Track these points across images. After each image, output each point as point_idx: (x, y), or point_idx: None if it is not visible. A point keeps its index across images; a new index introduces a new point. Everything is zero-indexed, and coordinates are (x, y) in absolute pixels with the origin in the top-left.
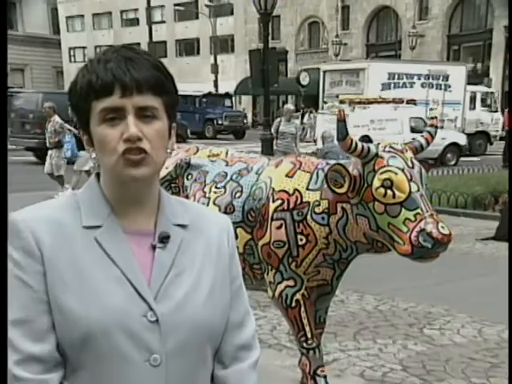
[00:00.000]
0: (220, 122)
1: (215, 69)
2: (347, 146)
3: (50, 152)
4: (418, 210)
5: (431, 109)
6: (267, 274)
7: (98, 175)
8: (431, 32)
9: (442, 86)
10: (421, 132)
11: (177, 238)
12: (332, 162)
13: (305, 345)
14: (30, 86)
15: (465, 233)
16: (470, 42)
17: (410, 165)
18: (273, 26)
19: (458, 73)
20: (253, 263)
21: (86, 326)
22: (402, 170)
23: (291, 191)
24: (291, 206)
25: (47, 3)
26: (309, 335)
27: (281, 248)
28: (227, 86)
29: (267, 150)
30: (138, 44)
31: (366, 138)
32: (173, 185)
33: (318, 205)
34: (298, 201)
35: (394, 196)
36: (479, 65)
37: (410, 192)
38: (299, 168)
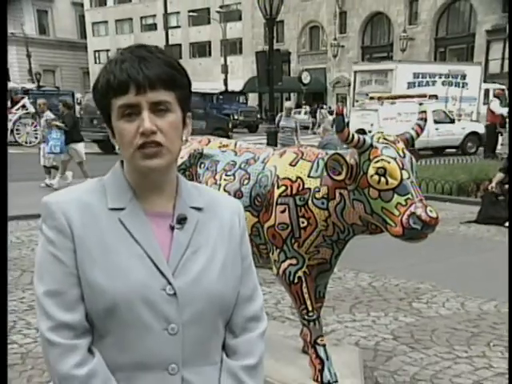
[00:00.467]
0: (235, 117)
1: (225, 69)
2: (345, 138)
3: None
4: (409, 196)
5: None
6: (272, 253)
7: (122, 162)
8: (420, 35)
9: (460, 84)
10: (443, 123)
11: (193, 219)
12: (331, 152)
13: (306, 317)
14: (60, 85)
15: (450, 216)
16: (454, 45)
17: (402, 154)
18: (277, 30)
19: (474, 72)
20: (259, 243)
21: (111, 298)
22: (395, 159)
23: (294, 178)
24: (294, 191)
25: (75, 10)
26: (310, 308)
27: (284, 230)
28: (236, 84)
29: (272, 141)
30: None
31: (361, 131)
32: (187, 173)
33: (318, 191)
34: (300, 187)
35: (387, 183)
36: None
37: (402, 179)
38: (301, 157)
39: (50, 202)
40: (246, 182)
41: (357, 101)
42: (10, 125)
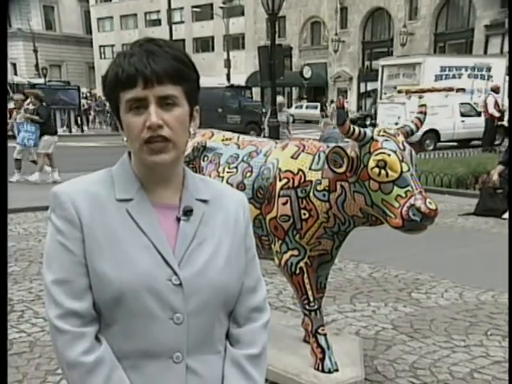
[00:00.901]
0: None
1: (228, 64)
2: (346, 130)
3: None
4: (409, 188)
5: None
6: (274, 244)
7: (129, 153)
8: (420, 30)
9: (486, 77)
10: (469, 116)
11: (199, 211)
12: (332, 145)
13: (307, 307)
14: (66, 79)
15: (448, 209)
16: (454, 40)
17: (402, 147)
18: (279, 25)
19: (499, 64)
20: (261, 235)
21: (118, 288)
22: (395, 152)
23: (296, 171)
24: (296, 184)
25: (81, 6)
26: (311, 298)
27: (286, 222)
28: (238, 79)
29: (274, 134)
30: None
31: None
32: (190, 166)
33: (320, 183)
34: (302, 180)
35: (387, 175)
36: None
37: (402, 172)
38: (303, 150)
39: (59, 191)
40: (248, 174)
41: (385, 93)
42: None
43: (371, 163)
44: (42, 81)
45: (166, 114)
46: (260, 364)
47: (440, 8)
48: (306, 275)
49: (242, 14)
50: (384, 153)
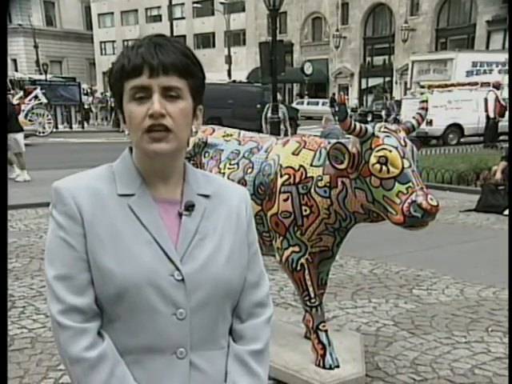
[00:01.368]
0: None
1: (229, 60)
2: (347, 127)
3: None
4: (410, 184)
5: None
6: (275, 241)
7: (131, 148)
8: (421, 26)
9: None
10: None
11: (201, 206)
12: (333, 141)
13: (308, 303)
14: (67, 75)
15: (450, 205)
16: (455, 35)
17: (403, 143)
18: (280, 21)
19: None
20: (262, 231)
21: (120, 283)
22: (396, 148)
23: (297, 167)
24: (297, 180)
25: (81, 2)
26: (312, 295)
27: (287, 218)
28: (239, 75)
29: (275, 131)
30: None
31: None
32: (191, 162)
33: (321, 179)
34: (303, 176)
35: (388, 171)
36: None
37: (403, 168)
38: (304, 147)
39: (60, 187)
40: (249, 170)
41: (409, 89)
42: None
43: (372, 159)
44: (42, 77)
45: (170, 105)
46: (263, 360)
47: (441, 3)
48: (306, 271)
49: (243, 9)
50: (385, 149)
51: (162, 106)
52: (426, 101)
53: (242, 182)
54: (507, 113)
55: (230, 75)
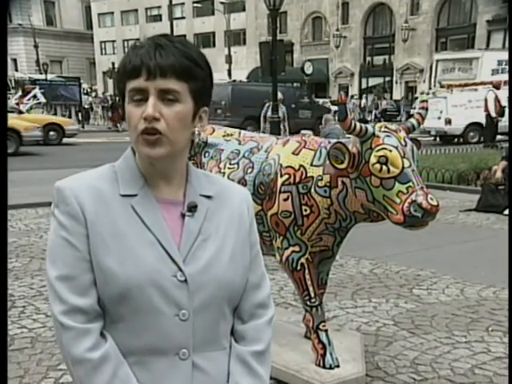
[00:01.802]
0: None
1: (229, 59)
2: (347, 126)
3: None
4: (410, 184)
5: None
6: (275, 240)
7: (133, 148)
8: (421, 26)
9: None
10: None
11: (203, 207)
12: (333, 141)
13: (308, 303)
14: (67, 75)
15: (450, 205)
16: (455, 35)
17: (403, 143)
18: (280, 21)
19: None
20: (262, 231)
21: (123, 284)
22: (396, 148)
23: (297, 167)
24: (297, 180)
25: (81, 2)
26: (312, 294)
27: (287, 218)
28: (240, 74)
29: (275, 130)
30: None
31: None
32: (191, 161)
33: (321, 179)
34: (303, 175)
35: (388, 171)
36: None
37: (403, 167)
38: (304, 146)
39: (63, 186)
40: (249, 170)
41: (430, 88)
42: None
43: (372, 159)
44: (42, 76)
45: (166, 109)
46: (265, 361)
47: (442, 3)
48: (307, 271)
49: (243, 9)
50: (385, 148)
51: (156, 109)
52: (426, 100)
53: (242, 181)
54: (506, 113)
55: (230, 75)
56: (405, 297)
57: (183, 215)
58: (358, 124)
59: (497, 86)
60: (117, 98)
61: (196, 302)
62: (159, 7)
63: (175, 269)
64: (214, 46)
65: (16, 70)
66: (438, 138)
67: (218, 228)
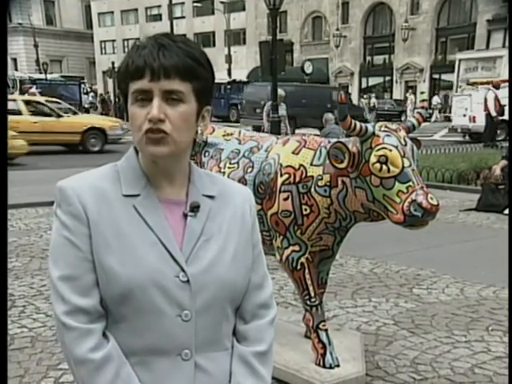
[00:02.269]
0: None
1: (229, 59)
2: (347, 126)
3: None
4: (410, 183)
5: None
6: (275, 240)
7: (136, 148)
8: (421, 25)
9: None
10: None
11: (206, 207)
12: (333, 140)
13: (308, 302)
14: (67, 74)
15: (450, 204)
16: (456, 35)
17: (403, 142)
18: (280, 20)
19: None
20: (262, 230)
21: (126, 284)
22: (396, 147)
23: (297, 166)
24: (297, 179)
25: (81, 1)
26: (312, 294)
27: (287, 217)
28: (239, 74)
29: (275, 130)
30: None
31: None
32: (191, 161)
33: (321, 179)
34: (303, 175)
35: (388, 170)
36: None
37: (403, 167)
38: (304, 146)
39: (65, 186)
40: (249, 170)
41: (460, 86)
42: None
43: (372, 158)
44: (42, 76)
45: (170, 109)
46: (267, 362)
47: (442, 3)
48: (307, 271)
49: (243, 9)
50: (385, 148)
51: (160, 110)
52: (426, 100)
53: (242, 181)
54: (506, 112)
55: (230, 74)
56: (405, 296)
57: (185, 215)
58: (357, 123)
59: (496, 86)
60: (107, 94)
61: (198, 302)
62: (159, 6)
63: (177, 269)
64: (214, 45)
65: (16, 69)
66: (467, 136)
67: (220, 228)
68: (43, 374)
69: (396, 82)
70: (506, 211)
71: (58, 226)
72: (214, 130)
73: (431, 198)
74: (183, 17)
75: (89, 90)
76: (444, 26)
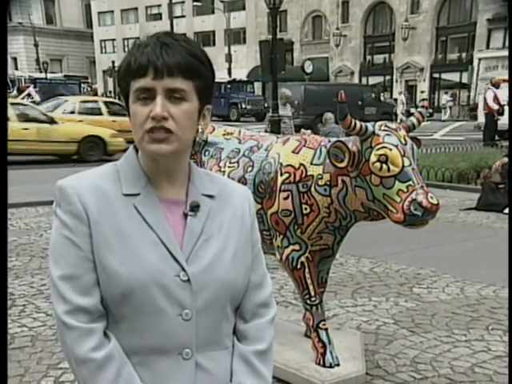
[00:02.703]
0: (243, 106)
1: (229, 58)
2: (347, 125)
3: None
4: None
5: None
6: (275, 239)
7: (135, 147)
8: (422, 25)
9: None
10: None
11: (206, 207)
12: (333, 139)
13: (308, 302)
14: (67, 74)
15: (450, 203)
16: (456, 34)
17: (403, 142)
18: (280, 20)
19: None
20: (262, 230)
21: (126, 283)
22: (396, 147)
23: (297, 166)
24: (297, 178)
25: (81, 0)
26: (312, 293)
27: (287, 216)
28: (239, 73)
29: (275, 129)
30: None
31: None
32: (191, 160)
33: (321, 178)
34: (303, 174)
35: (388, 170)
36: (464, 54)
37: (403, 166)
38: (304, 145)
39: (65, 185)
40: (249, 169)
41: (486, 84)
42: None
43: (373, 158)
44: (43, 75)
45: (173, 107)
46: (267, 360)
47: (442, 2)
48: (307, 270)
49: (243, 8)
50: (385, 147)
51: (164, 108)
52: (426, 99)
53: (242, 180)
54: (506, 112)
55: (230, 73)
56: (405, 295)
57: (185, 215)
58: (358, 123)
59: (496, 85)
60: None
61: (199, 301)
62: (159, 6)
63: (178, 268)
64: (214, 44)
65: (16, 68)
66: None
67: (220, 227)
68: (43, 373)
69: (396, 81)
70: (506, 210)
71: (57, 226)
72: (214, 129)
73: (431, 197)
74: (183, 16)
75: (88, 89)
76: (444, 25)
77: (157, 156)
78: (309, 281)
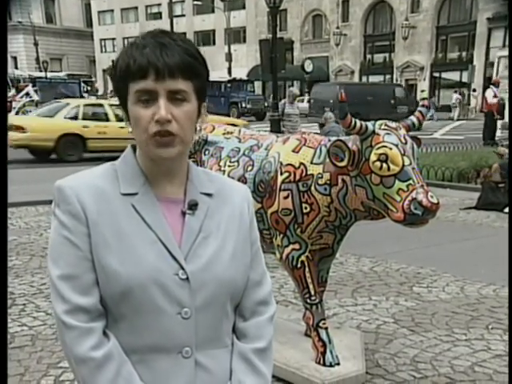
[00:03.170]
0: (243, 105)
1: (229, 57)
2: (347, 124)
3: None
4: (410, 182)
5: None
6: (275, 238)
7: (133, 146)
8: (422, 24)
9: None
10: None
11: (204, 205)
12: (334, 138)
13: (308, 301)
14: (67, 73)
15: (450, 203)
16: (456, 33)
17: (404, 141)
18: (280, 19)
19: None
20: (262, 229)
21: (125, 282)
22: (396, 146)
23: (297, 165)
24: (297, 178)
25: None
26: (312, 292)
27: (288, 215)
28: (240, 72)
29: (276, 128)
30: None
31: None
32: (191, 159)
33: (321, 177)
34: (303, 173)
35: (388, 169)
36: (464, 53)
37: (403, 165)
38: (304, 144)
39: (64, 185)
40: (249, 168)
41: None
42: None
43: (373, 157)
44: (42, 74)
45: (175, 109)
46: (267, 358)
47: (442, 1)
48: (307, 269)
49: (243, 7)
50: (385, 146)
51: (168, 110)
52: (426, 98)
53: (242, 179)
54: (506, 111)
55: (230, 73)
56: (405, 295)
57: (184, 213)
58: (358, 122)
59: (495, 84)
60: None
61: (198, 299)
62: (159, 5)
63: (177, 267)
64: (214, 43)
65: (16, 67)
66: None
67: (218, 226)
68: (43, 372)
69: (396, 80)
70: (506, 210)
71: (56, 226)
72: (213, 129)
73: (431, 197)
74: (183, 15)
75: (88, 88)
76: (444, 24)
77: (162, 159)
78: (309, 280)
